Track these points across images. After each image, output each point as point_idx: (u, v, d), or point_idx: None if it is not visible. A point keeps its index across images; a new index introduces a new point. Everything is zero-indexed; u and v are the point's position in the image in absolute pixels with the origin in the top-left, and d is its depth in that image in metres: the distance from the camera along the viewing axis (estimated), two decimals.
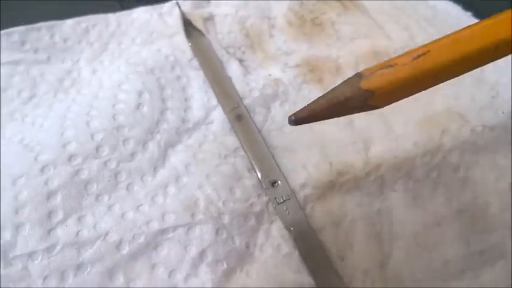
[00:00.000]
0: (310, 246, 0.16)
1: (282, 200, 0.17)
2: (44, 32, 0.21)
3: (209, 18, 0.22)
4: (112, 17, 0.22)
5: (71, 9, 0.22)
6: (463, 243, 0.16)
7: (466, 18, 0.23)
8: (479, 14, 0.23)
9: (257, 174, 0.17)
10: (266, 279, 0.15)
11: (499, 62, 0.21)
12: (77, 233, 0.15)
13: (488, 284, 0.16)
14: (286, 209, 0.16)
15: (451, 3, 0.23)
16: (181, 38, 0.21)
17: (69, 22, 0.21)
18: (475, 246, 0.16)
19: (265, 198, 0.17)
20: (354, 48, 0.21)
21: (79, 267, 0.15)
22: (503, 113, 0.19)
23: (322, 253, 0.16)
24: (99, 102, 0.18)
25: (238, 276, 0.15)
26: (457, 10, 0.23)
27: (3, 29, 0.21)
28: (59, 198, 0.16)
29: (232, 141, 0.18)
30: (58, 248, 0.15)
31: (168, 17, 0.22)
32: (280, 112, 0.19)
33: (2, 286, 0.14)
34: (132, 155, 0.17)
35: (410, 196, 0.17)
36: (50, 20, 0.21)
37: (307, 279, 0.15)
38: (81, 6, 0.23)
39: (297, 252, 0.16)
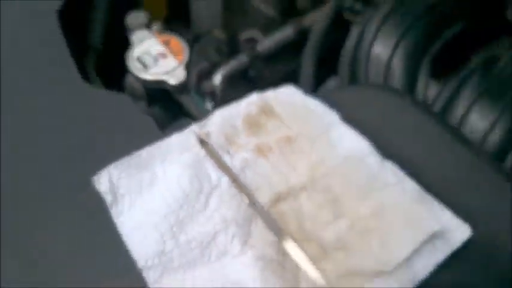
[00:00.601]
0: (274, 224, 0.40)
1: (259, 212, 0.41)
2: (136, 158, 0.45)
3: (208, 134, 0.47)
4: (162, 143, 0.46)
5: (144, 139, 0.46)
6: None
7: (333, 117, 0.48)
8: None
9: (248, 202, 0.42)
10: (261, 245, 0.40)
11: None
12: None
13: None
14: (264, 217, 0.41)
15: (320, 105, 0.49)
16: (198, 148, 0.46)
17: (145, 152, 0.46)
18: None
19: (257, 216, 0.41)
20: (276, 137, 0.46)
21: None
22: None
23: (277, 227, 0.40)
24: (172, 187, 0.43)
25: (249, 242, 0.40)
26: (323, 109, 0.48)
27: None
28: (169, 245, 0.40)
29: (234, 191, 0.43)
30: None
31: (189, 138, 0.46)
32: (250, 174, 0.44)
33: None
34: (192, 216, 0.41)
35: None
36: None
37: (274, 237, 0.40)
38: (146, 137, 0.47)
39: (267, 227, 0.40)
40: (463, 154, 0.46)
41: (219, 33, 0.90)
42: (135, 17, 0.65)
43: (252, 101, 0.49)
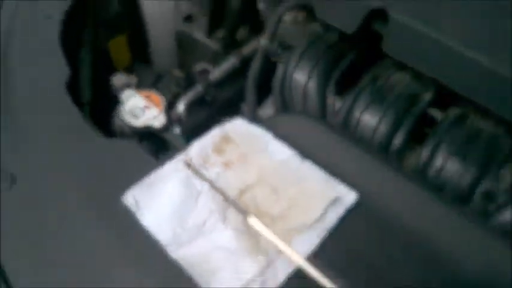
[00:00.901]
0: (241, 209, 0.66)
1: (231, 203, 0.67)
2: (146, 181, 0.70)
3: (191, 159, 0.72)
4: (161, 169, 0.71)
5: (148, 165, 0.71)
6: None
7: (269, 137, 0.74)
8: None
9: (223, 198, 0.67)
10: (234, 223, 0.65)
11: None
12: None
13: None
14: (234, 205, 0.67)
15: (260, 130, 0.75)
16: (186, 169, 0.71)
17: (151, 176, 0.70)
18: None
19: (230, 205, 0.67)
20: (235, 155, 0.72)
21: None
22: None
23: (243, 210, 0.66)
24: (173, 196, 0.68)
25: (226, 222, 0.65)
26: (262, 132, 0.74)
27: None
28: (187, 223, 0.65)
29: (213, 192, 0.68)
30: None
31: (179, 165, 0.71)
32: (222, 181, 0.69)
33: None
34: (189, 211, 0.67)
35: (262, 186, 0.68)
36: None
37: (242, 217, 0.66)
38: (146, 167, 0.72)
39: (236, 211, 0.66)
40: (353, 150, 0.73)
41: (177, 72, 1.15)
42: (119, 79, 0.89)
43: (215, 133, 0.75)
